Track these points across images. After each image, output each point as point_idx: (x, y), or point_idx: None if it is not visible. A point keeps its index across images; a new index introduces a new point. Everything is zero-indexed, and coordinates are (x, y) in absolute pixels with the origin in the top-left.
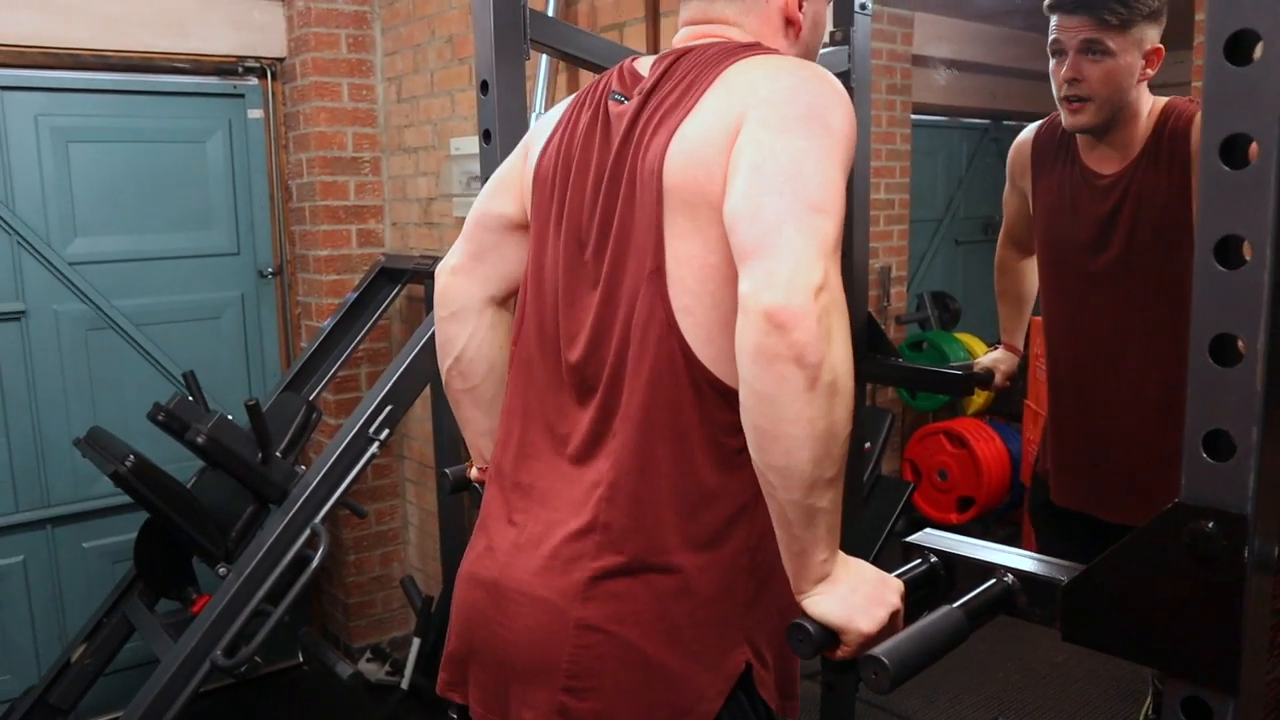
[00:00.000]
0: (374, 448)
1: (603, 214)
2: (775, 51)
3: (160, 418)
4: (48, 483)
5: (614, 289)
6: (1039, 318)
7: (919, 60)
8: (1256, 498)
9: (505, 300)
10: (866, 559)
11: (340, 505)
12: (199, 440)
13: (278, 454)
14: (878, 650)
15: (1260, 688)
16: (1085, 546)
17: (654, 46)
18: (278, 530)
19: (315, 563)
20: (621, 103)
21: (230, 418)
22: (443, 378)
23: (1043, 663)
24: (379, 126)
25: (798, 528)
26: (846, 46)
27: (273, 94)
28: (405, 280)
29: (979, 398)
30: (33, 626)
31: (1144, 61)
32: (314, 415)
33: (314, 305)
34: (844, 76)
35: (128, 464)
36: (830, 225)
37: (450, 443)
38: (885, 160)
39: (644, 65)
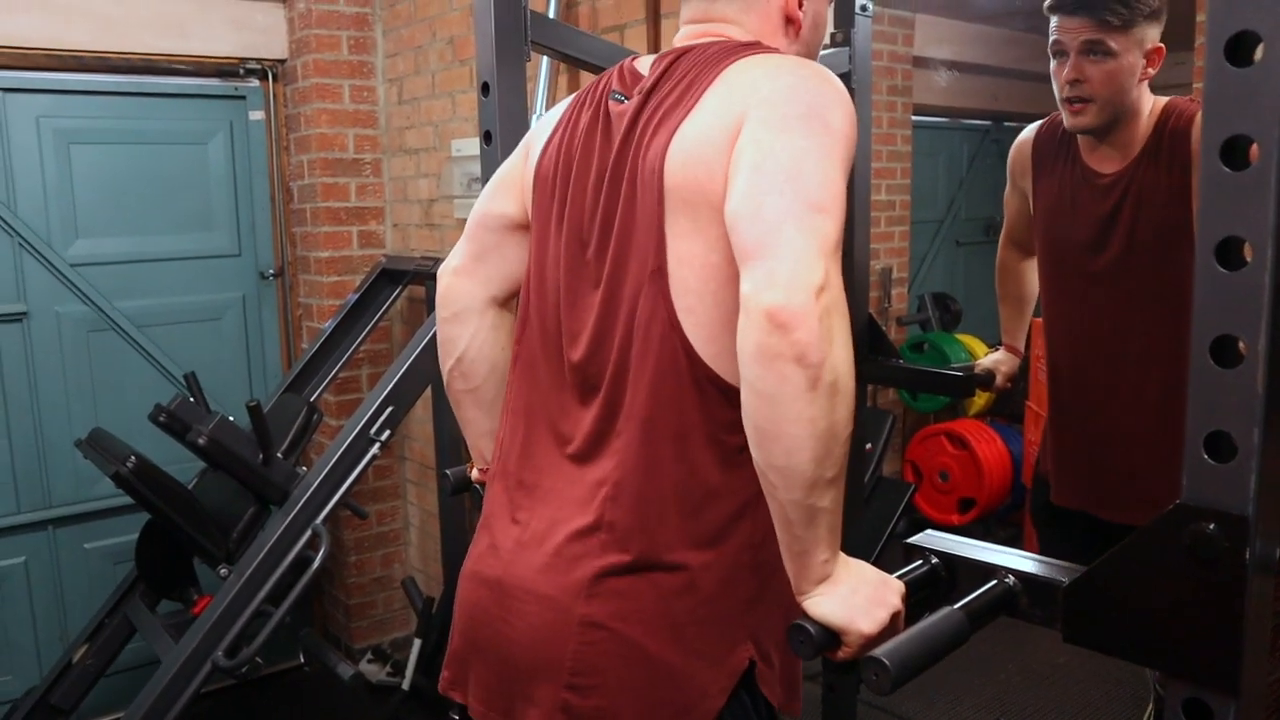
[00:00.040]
0: (375, 449)
1: (604, 214)
2: (775, 50)
3: (161, 419)
4: (49, 484)
5: (616, 289)
6: (1040, 319)
7: (920, 62)
8: (1258, 499)
9: (507, 301)
10: (867, 560)
11: (341, 506)
12: (200, 441)
13: (279, 455)
14: (879, 651)
15: (1262, 689)
16: (1086, 546)
17: (655, 48)
18: (279, 531)
19: (316, 564)
20: (622, 102)
21: (231, 419)
22: (444, 379)
23: (1044, 664)
24: (380, 128)
25: (799, 528)
26: (847, 48)
27: (274, 96)
28: (406, 281)
29: (980, 399)
30: (34, 627)
31: (1145, 61)
32: (315, 416)
33: (315, 306)
34: (845, 78)
35: (129, 465)
36: (831, 225)
37: (451, 444)
38: (886, 161)
39: (644, 64)
